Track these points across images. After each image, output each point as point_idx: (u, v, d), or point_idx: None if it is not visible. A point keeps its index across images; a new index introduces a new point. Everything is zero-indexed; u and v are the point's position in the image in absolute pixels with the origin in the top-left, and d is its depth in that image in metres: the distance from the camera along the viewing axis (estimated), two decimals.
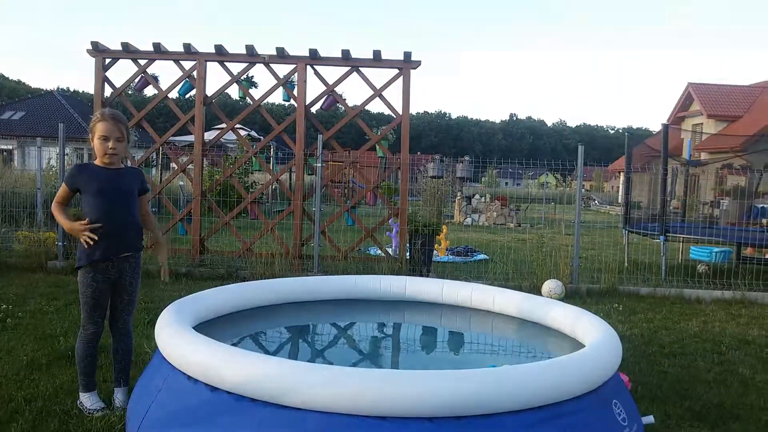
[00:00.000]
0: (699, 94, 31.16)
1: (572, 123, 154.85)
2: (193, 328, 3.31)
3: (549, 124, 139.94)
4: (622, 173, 36.31)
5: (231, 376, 2.65)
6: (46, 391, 3.70)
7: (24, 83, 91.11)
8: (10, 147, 26.48)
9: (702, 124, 31.12)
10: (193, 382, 2.84)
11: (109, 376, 3.83)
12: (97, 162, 3.40)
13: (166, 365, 3.07)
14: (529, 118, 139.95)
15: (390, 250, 9.30)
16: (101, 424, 3.19)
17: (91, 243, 3.24)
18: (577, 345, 3.64)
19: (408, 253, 8.50)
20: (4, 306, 5.76)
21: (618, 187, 45.91)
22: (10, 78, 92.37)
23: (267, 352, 3.73)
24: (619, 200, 32.58)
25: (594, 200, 38.15)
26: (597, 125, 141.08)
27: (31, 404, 3.49)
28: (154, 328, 3.52)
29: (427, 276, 8.00)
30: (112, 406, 3.44)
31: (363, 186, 11.35)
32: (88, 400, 3.42)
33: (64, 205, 3.43)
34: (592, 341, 3.26)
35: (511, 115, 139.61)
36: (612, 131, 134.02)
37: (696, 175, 17.89)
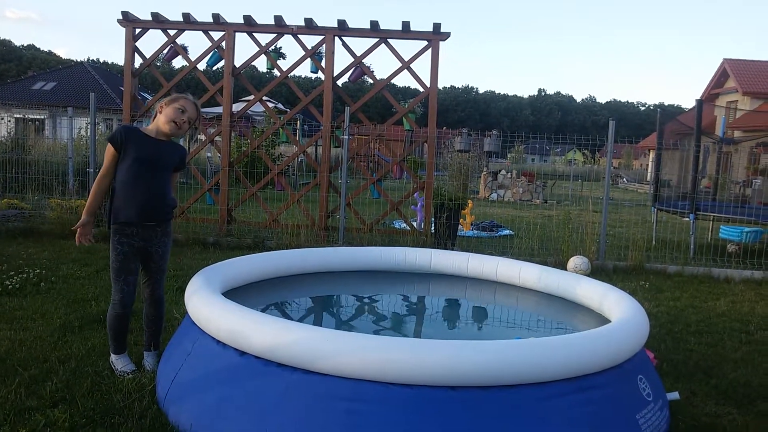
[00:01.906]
0: (735, 71, 30.33)
1: (602, 99, 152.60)
2: (222, 294, 3.37)
3: (578, 99, 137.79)
4: (651, 151, 35.69)
5: (260, 341, 2.70)
6: (79, 353, 3.81)
7: (55, 54, 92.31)
8: (42, 117, 26.90)
9: (737, 101, 30.34)
10: (222, 346, 2.90)
11: (140, 340, 3.92)
12: (149, 127, 3.47)
13: (195, 330, 3.13)
14: (558, 93, 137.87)
15: (415, 224, 9.30)
16: (132, 384, 3.28)
17: (80, 241, 3.39)
18: (604, 320, 3.63)
19: (433, 227, 8.50)
20: (38, 271, 5.90)
21: (647, 164, 45.17)
22: (42, 49, 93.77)
23: (293, 320, 3.78)
24: (648, 178, 32.08)
25: (622, 178, 37.63)
26: (627, 101, 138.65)
27: (65, 364, 3.59)
28: (182, 295, 3.59)
29: (452, 250, 8.00)
30: (143, 369, 3.53)
31: (388, 159, 11.32)
32: (119, 362, 3.51)
33: (109, 179, 3.39)
34: (619, 316, 3.25)
35: (540, 90, 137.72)
36: (642, 108, 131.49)
37: (728, 153, 17.50)
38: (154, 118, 3.49)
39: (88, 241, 3.42)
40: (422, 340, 2.64)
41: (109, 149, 3.36)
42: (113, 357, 3.54)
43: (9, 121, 16.67)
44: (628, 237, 9.13)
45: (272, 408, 2.60)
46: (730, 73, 30.62)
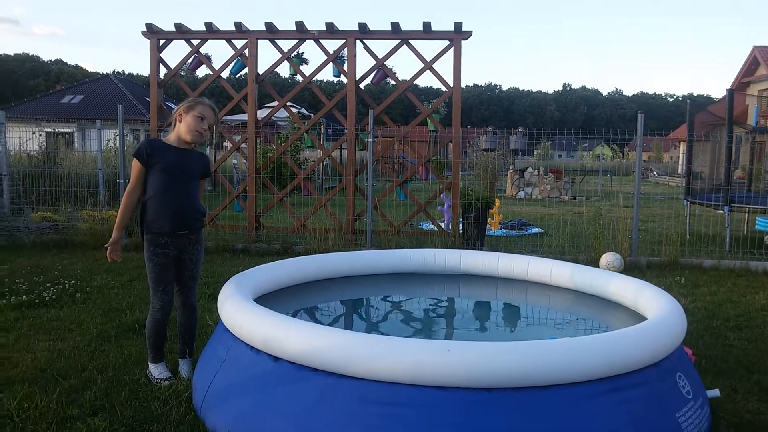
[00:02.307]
0: (766, 58, 29.61)
1: (629, 92, 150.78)
2: (253, 300, 3.39)
3: (604, 93, 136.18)
4: (682, 143, 35.06)
5: (294, 346, 2.71)
6: (116, 362, 3.87)
7: (81, 67, 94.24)
8: (71, 130, 27.46)
9: None
10: (256, 352, 2.92)
11: (174, 348, 3.96)
12: (170, 137, 3.49)
13: (229, 336, 3.16)
14: (583, 87, 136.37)
15: (442, 225, 9.27)
16: (169, 392, 3.32)
17: (112, 258, 3.46)
18: (639, 318, 3.57)
19: (461, 228, 8.45)
20: (73, 281, 6.02)
21: (677, 157, 44.40)
22: (69, 63, 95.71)
23: (324, 324, 3.79)
24: (679, 171, 31.51)
25: (652, 171, 37.02)
26: (655, 93, 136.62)
27: (102, 373, 3.65)
28: (215, 302, 3.63)
29: (481, 250, 7.95)
30: (179, 376, 3.57)
31: (413, 161, 11.30)
32: (156, 370, 3.56)
33: (138, 193, 3.43)
34: (656, 313, 3.19)
35: (565, 85, 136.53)
36: (671, 99, 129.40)
37: (762, 142, 17.10)
38: (174, 126, 3.51)
39: (119, 257, 3.49)
40: (456, 342, 2.62)
41: (136, 164, 3.41)
42: (151, 366, 3.59)
43: (40, 135, 17.04)
44: (660, 232, 8.97)
45: (308, 413, 2.61)
46: (760, 60, 29.91)
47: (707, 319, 5.20)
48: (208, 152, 18.63)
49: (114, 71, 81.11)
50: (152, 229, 3.41)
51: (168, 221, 3.40)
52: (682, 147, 32.88)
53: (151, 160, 3.39)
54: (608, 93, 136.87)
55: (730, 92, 9.50)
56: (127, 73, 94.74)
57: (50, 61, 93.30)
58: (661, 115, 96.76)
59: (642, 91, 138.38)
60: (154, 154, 3.40)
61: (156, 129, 8.97)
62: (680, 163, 33.91)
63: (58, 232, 8.71)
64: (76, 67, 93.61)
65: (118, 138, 9.06)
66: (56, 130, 23.11)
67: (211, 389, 3.04)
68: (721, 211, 9.38)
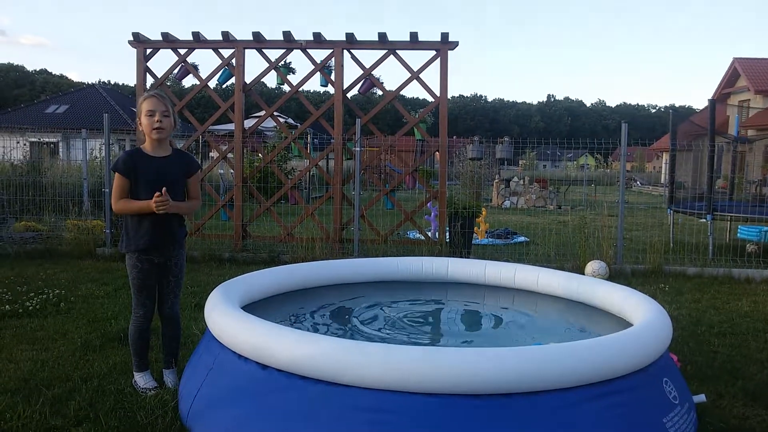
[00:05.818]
0: (746, 70, 30.08)
1: (612, 102, 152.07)
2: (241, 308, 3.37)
3: (587, 104, 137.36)
4: (665, 153, 35.43)
5: (282, 354, 2.70)
6: (100, 371, 3.83)
7: (67, 77, 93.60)
8: (56, 140, 27.22)
9: (749, 100, 30.07)
10: (243, 360, 2.90)
11: (159, 357, 3.92)
12: (145, 145, 3.44)
13: (216, 345, 3.14)
14: (567, 98, 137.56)
15: (429, 234, 9.28)
16: (155, 401, 3.29)
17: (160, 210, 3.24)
18: (625, 324, 3.59)
19: (447, 236, 8.48)
20: (58, 291, 5.95)
21: (660, 167, 44.87)
22: (54, 73, 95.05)
23: (312, 332, 3.77)
24: (663, 180, 31.82)
25: (636, 181, 37.35)
26: (638, 104, 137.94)
27: (87, 383, 3.61)
28: (201, 311, 3.60)
29: (468, 258, 7.97)
30: (164, 386, 3.54)
31: (399, 171, 11.33)
32: (141, 379, 3.53)
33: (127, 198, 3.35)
34: (642, 319, 3.21)
35: (549, 96, 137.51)
36: (653, 110, 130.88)
37: (743, 152, 17.35)
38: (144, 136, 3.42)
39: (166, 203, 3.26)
40: (444, 348, 2.63)
41: (119, 178, 3.31)
42: (136, 375, 3.56)
43: (24, 145, 16.86)
44: (645, 240, 9.05)
45: (296, 421, 2.60)
46: (741, 72, 30.38)
47: (692, 325, 5.25)
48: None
49: (99, 81, 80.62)
50: (131, 247, 3.38)
51: (155, 236, 3.36)
52: (665, 157, 33.28)
53: (132, 172, 3.33)
54: (591, 104, 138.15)
55: (712, 103, 9.62)
56: (113, 83, 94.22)
57: (35, 71, 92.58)
58: (643, 126, 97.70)
59: (625, 102, 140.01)
60: (135, 166, 3.33)
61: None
62: (663, 172, 34.28)
63: (42, 241, 8.62)
64: (61, 77, 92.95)
65: (103, 147, 8.99)
66: (41, 139, 22.87)
67: (197, 398, 3.02)
68: (704, 220, 9.48)
